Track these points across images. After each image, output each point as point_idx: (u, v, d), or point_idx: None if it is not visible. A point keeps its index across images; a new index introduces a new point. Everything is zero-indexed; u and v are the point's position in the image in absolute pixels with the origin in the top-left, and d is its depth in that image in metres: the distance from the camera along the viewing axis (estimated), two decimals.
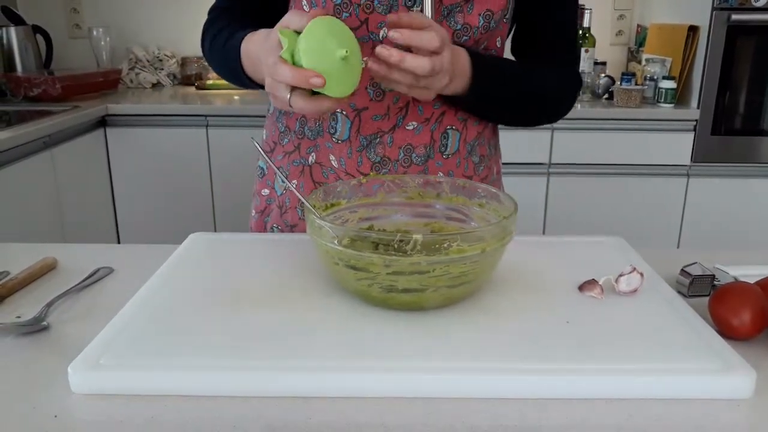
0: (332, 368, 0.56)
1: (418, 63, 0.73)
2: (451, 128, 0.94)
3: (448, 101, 0.91)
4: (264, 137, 1.04)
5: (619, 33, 2.89)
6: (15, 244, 0.93)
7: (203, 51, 0.98)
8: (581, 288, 0.71)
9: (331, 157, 0.93)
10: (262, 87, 0.85)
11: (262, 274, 0.75)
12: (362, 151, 0.92)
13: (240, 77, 0.88)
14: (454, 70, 0.80)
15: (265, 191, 1.03)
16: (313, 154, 0.95)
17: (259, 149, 0.79)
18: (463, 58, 0.83)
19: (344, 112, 0.91)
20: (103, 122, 2.39)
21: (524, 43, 0.99)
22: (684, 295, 0.75)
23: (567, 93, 0.99)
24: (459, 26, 0.87)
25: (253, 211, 1.06)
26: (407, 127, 0.91)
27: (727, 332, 0.64)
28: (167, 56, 2.89)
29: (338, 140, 0.92)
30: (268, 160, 0.78)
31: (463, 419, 0.53)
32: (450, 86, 0.81)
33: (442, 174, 0.94)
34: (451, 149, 0.94)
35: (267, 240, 0.88)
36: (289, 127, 0.97)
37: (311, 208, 0.69)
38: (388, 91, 0.89)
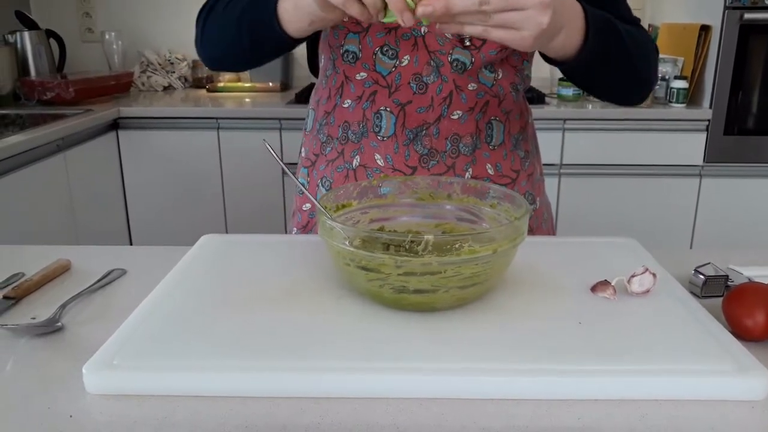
0: (344, 369, 0.56)
1: None
2: (495, 119, 0.93)
3: (559, 66, 0.82)
4: (303, 154, 1.03)
5: None
6: (29, 246, 0.93)
7: (204, 23, 0.92)
8: (593, 289, 0.71)
9: (377, 156, 0.93)
10: (282, 44, 0.82)
11: (274, 275, 0.76)
12: (409, 145, 0.91)
13: (264, 24, 0.82)
14: (563, 12, 0.68)
15: (307, 206, 1.02)
16: (357, 156, 0.94)
17: (271, 151, 0.77)
18: (572, 3, 0.72)
19: (388, 109, 0.91)
20: (115, 125, 2.40)
21: None
22: (697, 296, 0.75)
23: (650, 45, 0.90)
24: None
25: (294, 229, 1.04)
26: (452, 117, 0.91)
27: (740, 333, 0.64)
28: (178, 59, 2.90)
29: (383, 137, 0.92)
30: (281, 162, 0.78)
31: (476, 420, 0.53)
32: (559, 37, 0.71)
33: (490, 166, 0.94)
34: (496, 140, 0.94)
35: (278, 241, 0.88)
36: (332, 136, 0.97)
37: (322, 209, 0.70)
38: (430, 83, 0.89)
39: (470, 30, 0.65)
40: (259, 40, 0.87)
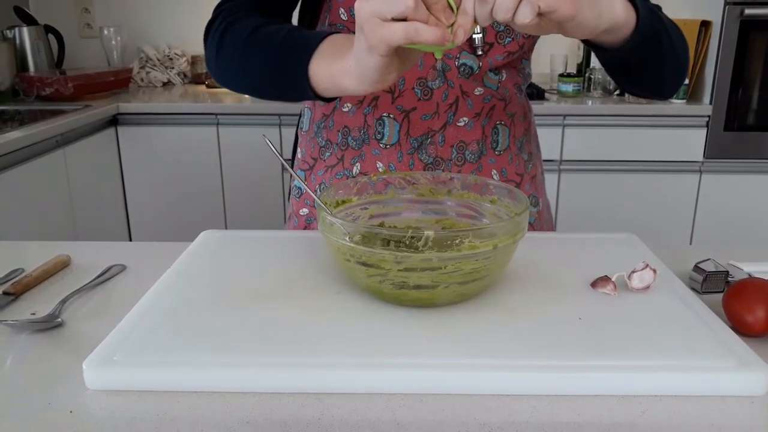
0: (344, 365, 0.56)
1: None
2: (501, 123, 0.92)
3: (601, 55, 0.76)
4: (300, 156, 1.01)
5: None
6: (29, 242, 0.93)
7: (220, 44, 0.81)
8: (594, 285, 0.71)
9: (379, 164, 0.91)
10: (309, 98, 0.75)
11: (274, 271, 0.76)
12: (413, 154, 0.90)
13: (293, 70, 0.73)
14: None
15: (304, 210, 1.00)
16: (358, 164, 0.92)
17: (271, 146, 0.76)
18: None
19: (391, 115, 0.89)
20: (114, 121, 2.40)
21: None
22: (697, 292, 0.75)
23: (680, 31, 0.85)
24: None
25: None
26: (458, 124, 0.89)
27: (741, 329, 0.64)
28: (178, 55, 2.90)
29: (386, 145, 0.90)
30: (280, 157, 0.77)
31: (476, 416, 0.53)
32: (605, 13, 0.65)
33: (495, 172, 0.93)
34: (502, 145, 0.93)
35: (278, 237, 0.88)
36: (331, 141, 0.94)
37: (322, 204, 0.69)
38: (436, 88, 0.87)
39: (522, 14, 0.56)
40: (287, 94, 0.79)
